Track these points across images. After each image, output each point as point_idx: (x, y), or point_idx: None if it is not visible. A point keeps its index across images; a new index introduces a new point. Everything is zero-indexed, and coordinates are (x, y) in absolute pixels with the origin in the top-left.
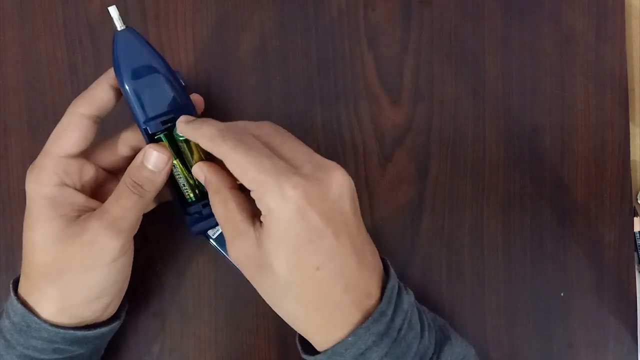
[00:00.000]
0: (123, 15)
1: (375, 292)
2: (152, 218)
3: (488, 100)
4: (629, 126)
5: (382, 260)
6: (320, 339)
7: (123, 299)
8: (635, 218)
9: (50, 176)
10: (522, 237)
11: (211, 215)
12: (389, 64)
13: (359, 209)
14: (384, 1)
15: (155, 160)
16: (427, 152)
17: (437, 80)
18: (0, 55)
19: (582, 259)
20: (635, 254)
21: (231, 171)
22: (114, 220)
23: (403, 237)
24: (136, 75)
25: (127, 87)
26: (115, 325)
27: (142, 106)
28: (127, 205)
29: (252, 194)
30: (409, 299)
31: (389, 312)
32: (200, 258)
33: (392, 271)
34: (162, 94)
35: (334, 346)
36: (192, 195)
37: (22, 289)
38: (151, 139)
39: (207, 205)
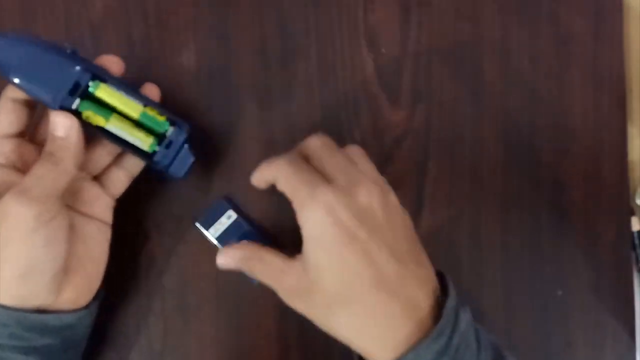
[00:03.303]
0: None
1: (425, 305)
2: (153, 218)
3: (487, 101)
4: (626, 127)
5: (441, 275)
6: (379, 355)
7: (99, 290)
8: (633, 217)
9: None
10: (521, 236)
11: (179, 149)
12: (389, 65)
13: (397, 221)
14: (383, 2)
15: (61, 126)
16: (426, 152)
17: (436, 81)
18: None
19: (580, 259)
20: (633, 253)
21: (280, 188)
22: (25, 188)
23: None
24: (18, 67)
25: (17, 82)
26: (81, 314)
27: (44, 90)
28: (38, 173)
29: (293, 205)
30: (466, 318)
31: (447, 331)
32: (201, 257)
33: (451, 289)
34: (53, 69)
35: None
36: (147, 144)
37: None
38: (75, 113)
39: (170, 144)
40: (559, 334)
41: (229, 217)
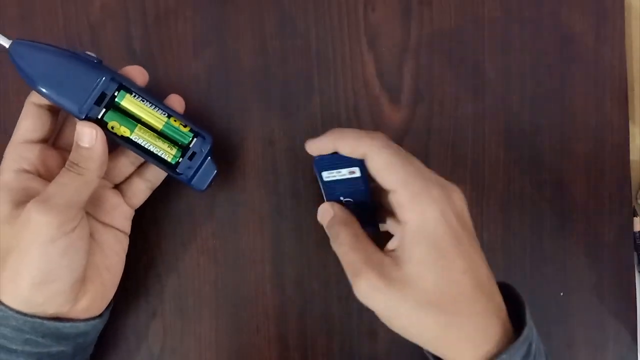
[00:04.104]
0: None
1: (503, 306)
2: (153, 218)
3: (488, 100)
4: (628, 126)
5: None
6: (466, 356)
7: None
8: (634, 218)
9: (7, 162)
10: (522, 237)
11: (203, 162)
12: (389, 64)
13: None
14: (384, 1)
15: (87, 137)
16: (427, 152)
17: (437, 80)
18: (0, 55)
19: (582, 259)
20: (635, 253)
21: (377, 168)
22: (48, 197)
23: None
24: (45, 77)
25: (45, 92)
26: (95, 323)
27: (71, 100)
28: (62, 182)
29: (394, 197)
30: (534, 327)
31: (530, 335)
32: (200, 258)
33: (520, 294)
34: (80, 79)
35: None
36: (171, 155)
37: None
38: (100, 123)
39: (193, 155)
40: (561, 334)
41: (351, 173)
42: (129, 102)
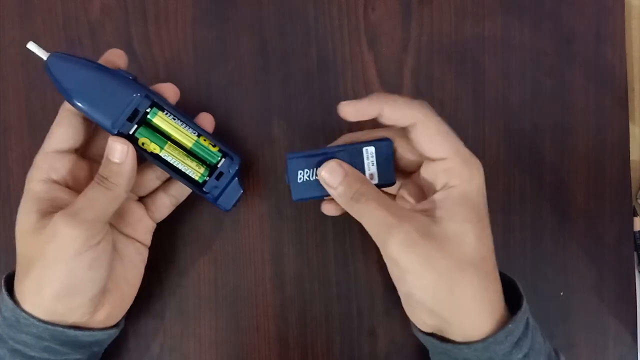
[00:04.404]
0: (119, 19)
1: (500, 282)
2: None
3: (488, 100)
4: (628, 126)
5: None
6: (484, 325)
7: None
8: (635, 218)
9: (37, 172)
10: (522, 237)
11: (230, 182)
12: (389, 64)
13: None
14: (384, 1)
15: (118, 153)
16: None
17: (437, 80)
18: (0, 55)
19: (582, 259)
20: (635, 253)
21: (426, 138)
22: (77, 210)
23: None
24: (81, 91)
25: (80, 106)
26: (112, 332)
27: (104, 115)
28: (91, 196)
29: (442, 164)
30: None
31: (526, 308)
32: (200, 259)
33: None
34: (115, 95)
35: (496, 334)
36: (199, 174)
37: (15, 283)
38: (131, 138)
39: (221, 175)
40: (561, 335)
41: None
42: (160, 120)
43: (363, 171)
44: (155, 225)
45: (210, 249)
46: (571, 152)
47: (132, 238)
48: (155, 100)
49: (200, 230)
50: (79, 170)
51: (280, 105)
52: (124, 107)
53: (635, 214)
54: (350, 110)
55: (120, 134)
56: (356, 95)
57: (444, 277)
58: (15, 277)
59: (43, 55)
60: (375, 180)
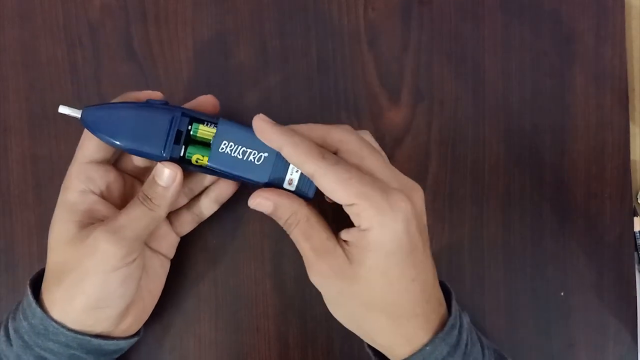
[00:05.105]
0: (121, 17)
1: (444, 302)
2: None
3: (488, 100)
4: (629, 126)
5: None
6: (402, 351)
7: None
8: (635, 218)
9: (73, 182)
10: (522, 237)
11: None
12: (389, 64)
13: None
14: (384, 1)
15: (165, 177)
16: (427, 152)
17: (437, 80)
18: (0, 55)
19: (582, 259)
20: (635, 253)
21: (327, 187)
22: (118, 227)
23: None
24: (121, 132)
25: (125, 146)
26: (133, 340)
27: (150, 146)
28: (133, 214)
29: (352, 209)
30: (466, 318)
31: (457, 325)
32: (200, 258)
33: (451, 289)
34: (153, 125)
35: (412, 355)
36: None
37: (43, 290)
38: (184, 160)
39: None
40: (561, 335)
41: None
42: (204, 132)
43: (285, 175)
44: (179, 240)
45: (210, 249)
46: (571, 152)
47: (157, 251)
48: (193, 115)
49: (200, 230)
50: (113, 180)
51: (280, 105)
52: (166, 132)
53: (635, 214)
54: (257, 127)
55: (172, 159)
56: (356, 95)
57: (354, 315)
58: (44, 283)
59: (76, 114)
60: (293, 187)
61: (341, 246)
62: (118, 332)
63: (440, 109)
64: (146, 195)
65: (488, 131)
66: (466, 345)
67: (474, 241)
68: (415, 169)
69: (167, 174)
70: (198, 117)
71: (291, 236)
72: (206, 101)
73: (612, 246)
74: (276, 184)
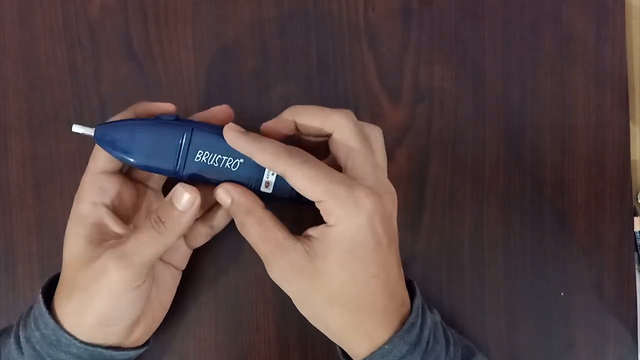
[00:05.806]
0: (121, 16)
1: (407, 302)
2: None
3: (488, 100)
4: (629, 126)
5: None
6: (363, 348)
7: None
8: (635, 218)
9: (86, 192)
10: (522, 237)
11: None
12: (389, 64)
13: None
14: (384, 1)
15: (184, 201)
16: (427, 152)
17: (437, 80)
18: (0, 55)
19: (582, 259)
20: (636, 253)
21: (298, 185)
22: (126, 253)
23: (403, 237)
24: (134, 150)
25: (139, 163)
26: (143, 350)
27: (164, 162)
28: (142, 240)
29: (321, 205)
30: (432, 317)
31: (418, 324)
32: (200, 259)
33: (417, 288)
34: (166, 142)
35: (372, 354)
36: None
37: (56, 298)
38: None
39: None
40: (561, 335)
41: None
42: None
43: (261, 178)
44: (191, 252)
45: (210, 250)
46: (571, 152)
47: (169, 263)
48: (206, 129)
49: None
50: (126, 191)
51: (280, 105)
52: (178, 148)
53: (635, 214)
54: (227, 138)
55: (193, 178)
56: (356, 95)
57: (316, 310)
58: (57, 293)
59: (89, 132)
60: (270, 190)
61: (304, 243)
62: (129, 343)
63: (440, 109)
64: (159, 217)
65: (488, 131)
66: (427, 343)
67: (474, 241)
68: (415, 169)
69: (186, 198)
70: (211, 131)
71: (247, 237)
72: (222, 112)
73: (612, 246)
74: (253, 188)
